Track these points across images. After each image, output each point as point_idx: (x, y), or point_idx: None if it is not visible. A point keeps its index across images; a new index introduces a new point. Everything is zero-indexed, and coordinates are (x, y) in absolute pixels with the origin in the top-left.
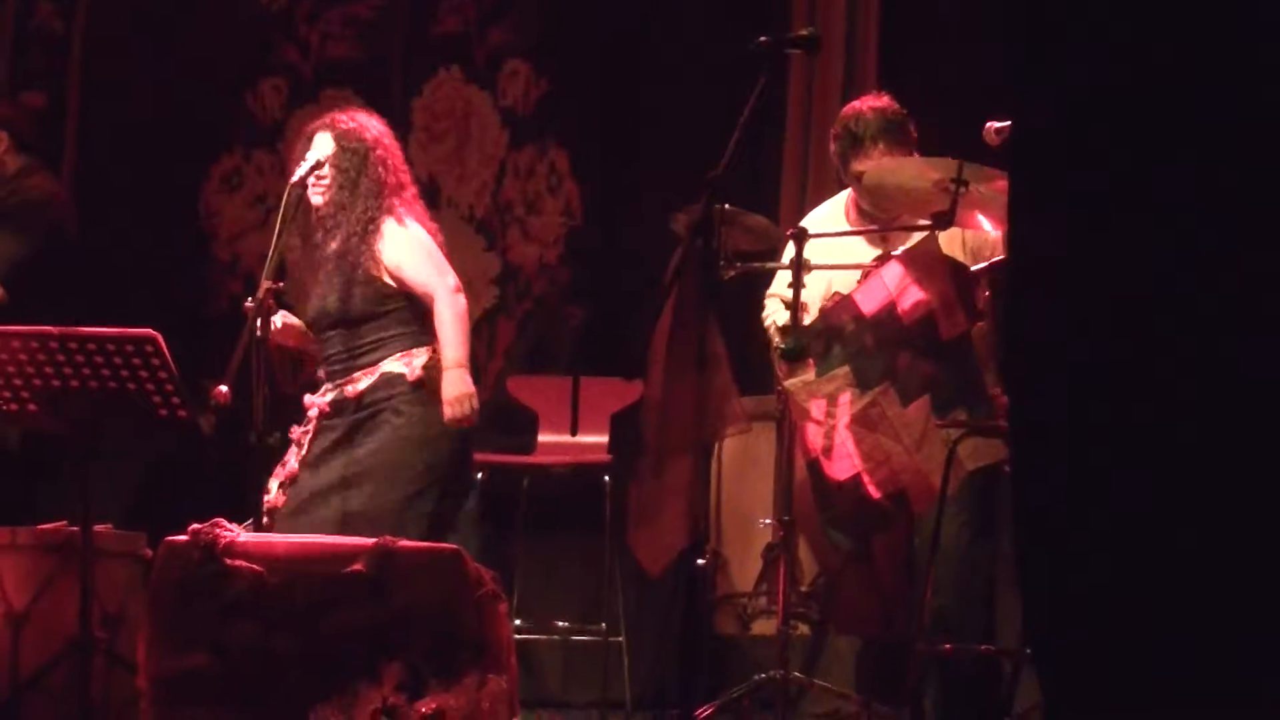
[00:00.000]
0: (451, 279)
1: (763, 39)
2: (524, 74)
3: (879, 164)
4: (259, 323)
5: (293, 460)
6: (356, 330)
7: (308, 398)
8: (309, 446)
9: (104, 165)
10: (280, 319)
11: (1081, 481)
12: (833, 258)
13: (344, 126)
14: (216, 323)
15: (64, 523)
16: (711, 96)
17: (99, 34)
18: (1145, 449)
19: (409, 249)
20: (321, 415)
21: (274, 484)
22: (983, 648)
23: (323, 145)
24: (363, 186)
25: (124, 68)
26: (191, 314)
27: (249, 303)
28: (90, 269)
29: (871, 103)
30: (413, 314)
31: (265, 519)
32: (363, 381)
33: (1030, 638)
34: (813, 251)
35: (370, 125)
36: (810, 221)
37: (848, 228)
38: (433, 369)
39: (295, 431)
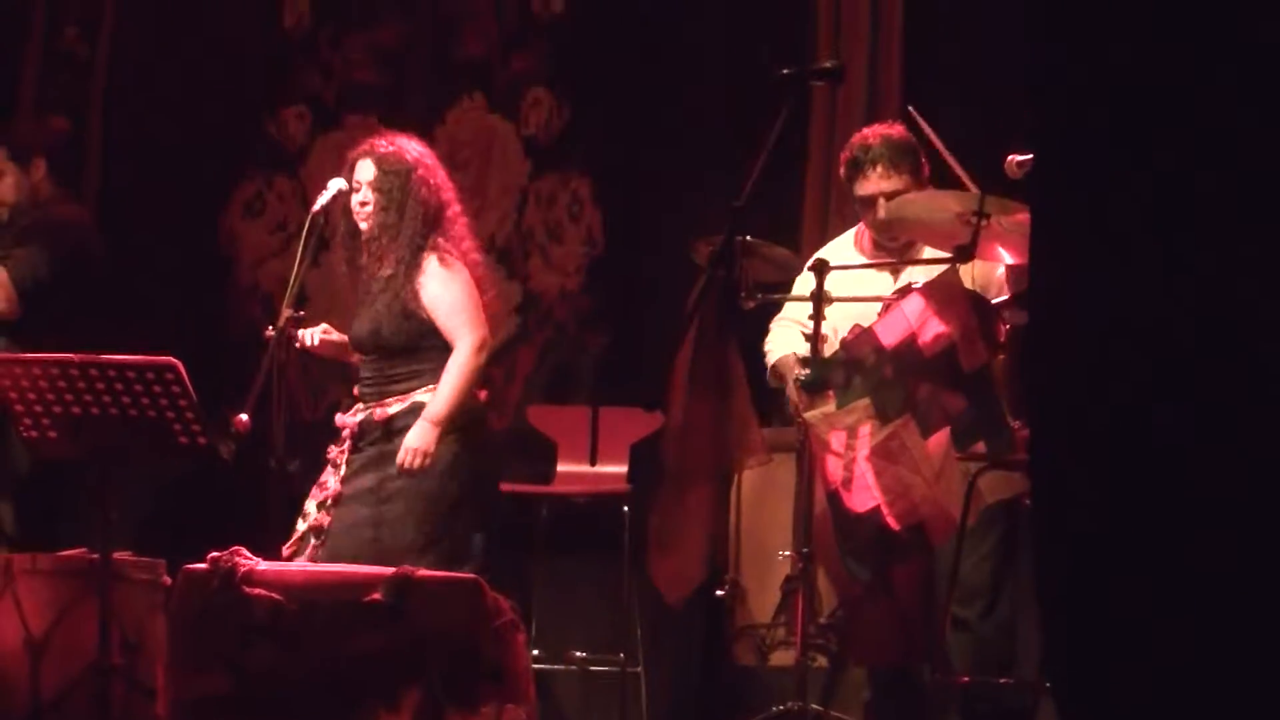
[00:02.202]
0: (478, 334)
1: (786, 70)
2: (546, 103)
3: (902, 196)
4: (280, 350)
5: (332, 481)
6: (392, 359)
7: (339, 417)
8: (347, 465)
9: (126, 189)
10: (318, 334)
11: (1104, 513)
12: (848, 290)
13: (383, 150)
14: (236, 348)
15: (84, 549)
16: (734, 127)
17: (123, 58)
18: (1170, 478)
19: (446, 291)
20: (353, 434)
21: (312, 505)
22: (1001, 680)
23: (364, 171)
24: (409, 210)
25: (147, 92)
26: (211, 339)
27: (270, 330)
28: (111, 292)
29: (880, 129)
30: (448, 350)
31: (313, 540)
32: (393, 407)
33: (1049, 669)
34: (829, 284)
35: (410, 147)
36: (823, 254)
37: (860, 259)
38: (460, 407)
39: (332, 451)
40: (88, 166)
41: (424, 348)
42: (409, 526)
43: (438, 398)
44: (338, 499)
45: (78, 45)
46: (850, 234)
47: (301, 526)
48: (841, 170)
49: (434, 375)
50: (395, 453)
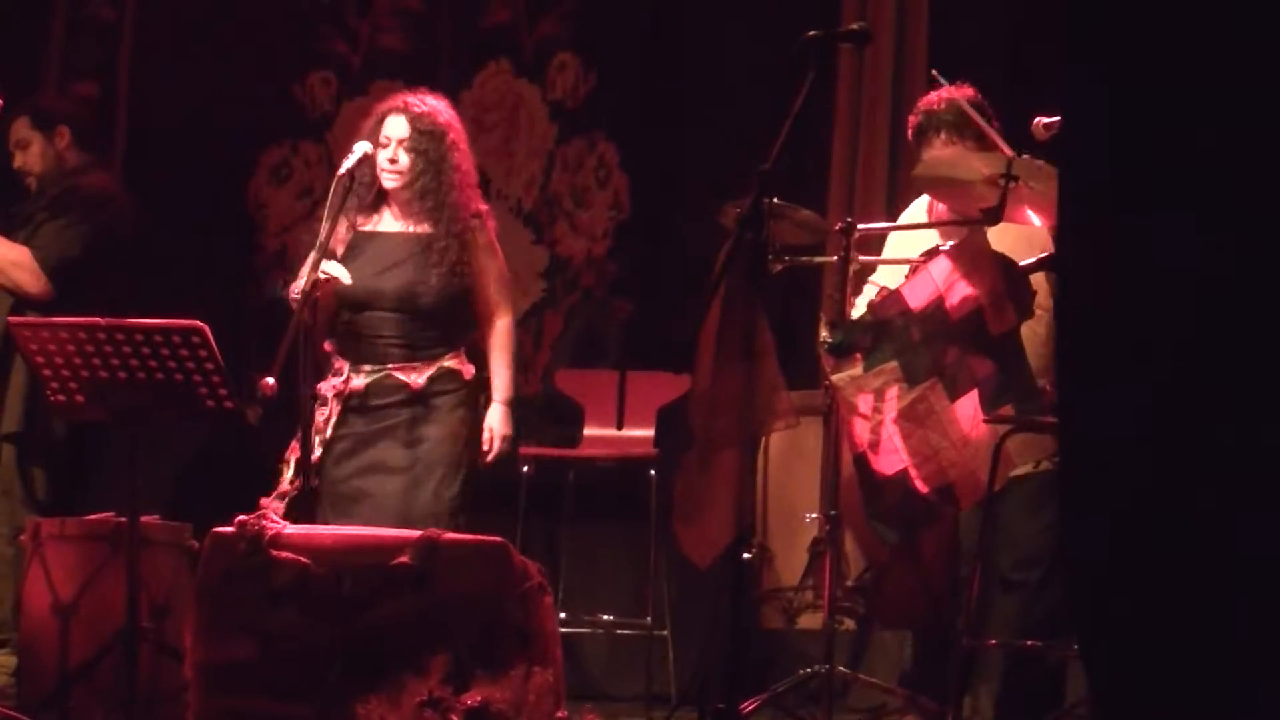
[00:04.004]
0: (513, 310)
1: (813, 33)
2: (573, 67)
3: (933, 157)
4: (306, 313)
5: (317, 447)
6: (425, 321)
7: (325, 385)
8: (346, 425)
9: (153, 155)
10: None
11: (1134, 483)
12: (909, 251)
13: (418, 109)
14: (262, 313)
15: (111, 514)
16: (761, 90)
17: (149, 24)
18: (1200, 454)
19: (495, 263)
20: (353, 394)
21: (288, 471)
22: (1028, 643)
23: (396, 128)
24: (448, 176)
25: (174, 58)
26: (237, 304)
27: (294, 292)
28: (138, 257)
29: (948, 93)
30: (472, 318)
31: (289, 500)
32: (424, 372)
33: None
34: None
35: (442, 109)
36: (902, 218)
37: (921, 232)
38: (478, 375)
39: (318, 418)
40: (115, 133)
41: (456, 315)
42: (445, 493)
43: (507, 378)
44: (339, 466)
45: (104, 11)
46: (925, 199)
47: (286, 488)
48: (910, 134)
49: (458, 342)
50: (427, 419)
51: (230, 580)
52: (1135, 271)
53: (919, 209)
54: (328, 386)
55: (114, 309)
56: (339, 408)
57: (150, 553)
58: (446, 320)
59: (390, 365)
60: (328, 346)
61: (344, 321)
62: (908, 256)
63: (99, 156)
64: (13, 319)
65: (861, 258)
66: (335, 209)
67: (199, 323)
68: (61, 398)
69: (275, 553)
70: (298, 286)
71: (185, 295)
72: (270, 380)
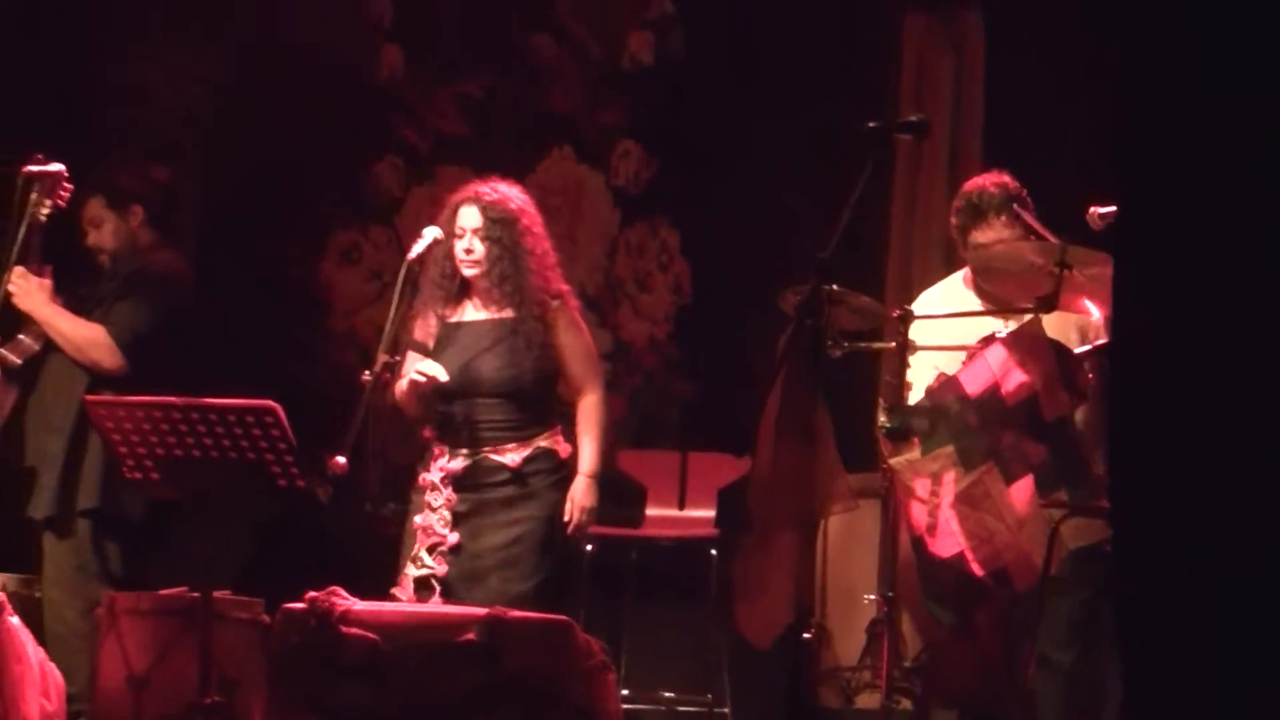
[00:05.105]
0: (603, 381)
1: (872, 124)
2: (635, 154)
3: (990, 245)
4: (375, 395)
5: (438, 525)
6: (522, 403)
7: (433, 469)
8: (451, 511)
9: (225, 237)
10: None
11: (1186, 562)
12: (950, 336)
13: (489, 198)
14: (331, 393)
15: (184, 588)
16: (820, 178)
17: (222, 107)
18: (1249, 528)
19: (579, 339)
20: (454, 477)
21: (424, 553)
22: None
23: (469, 218)
24: (524, 260)
25: (246, 142)
26: (307, 384)
27: (366, 375)
28: (210, 337)
29: (994, 178)
30: (564, 396)
31: (436, 586)
32: (518, 453)
33: (1129, 706)
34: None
35: (514, 195)
36: (925, 299)
37: (963, 305)
38: (570, 454)
39: (432, 496)
40: (187, 214)
41: (549, 395)
42: (531, 573)
43: (593, 451)
44: (457, 548)
45: (176, 96)
46: (956, 278)
47: (414, 572)
48: (955, 218)
49: (551, 421)
50: (524, 500)
51: (300, 656)
52: (1190, 356)
53: (956, 280)
54: (431, 473)
55: (184, 386)
56: (449, 489)
57: (222, 627)
58: (539, 400)
59: (486, 448)
60: (427, 433)
61: (440, 410)
62: (955, 341)
63: (169, 236)
64: (89, 397)
65: (918, 343)
66: (405, 293)
67: (272, 403)
68: (137, 475)
69: (344, 629)
70: (398, 384)
71: (257, 375)
72: (341, 459)
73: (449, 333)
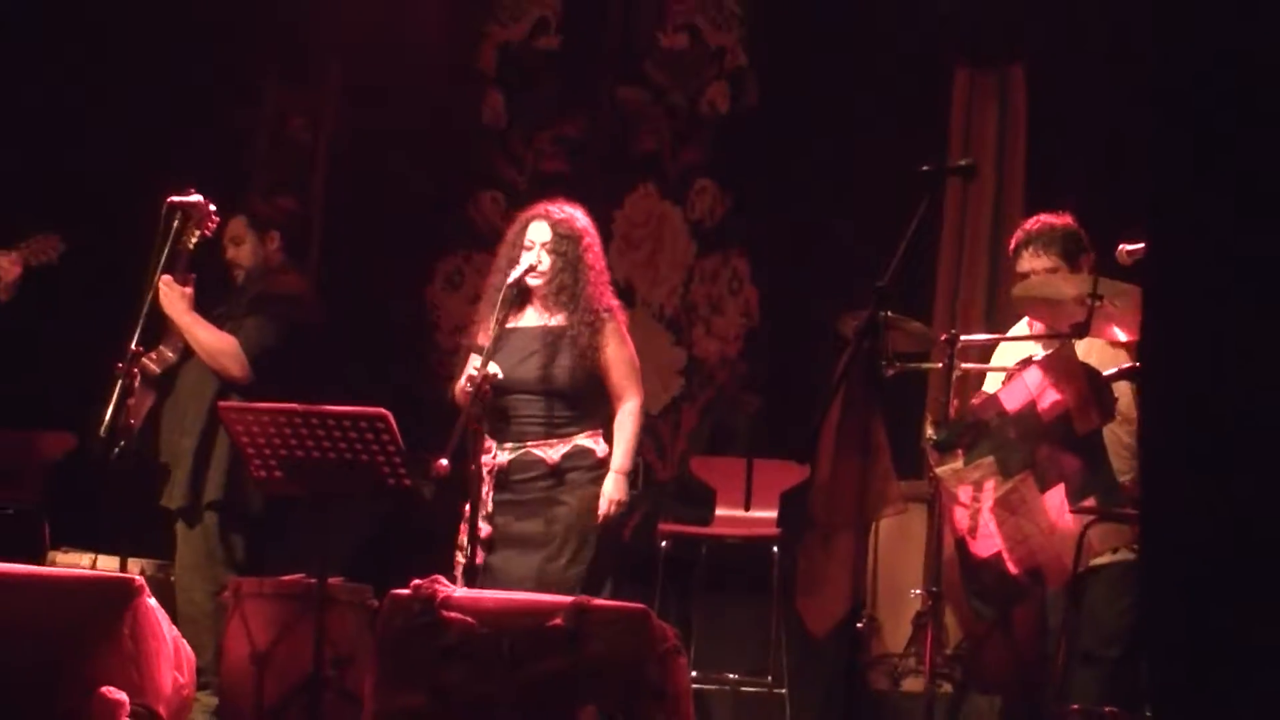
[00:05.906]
0: (642, 393)
1: (925, 166)
2: (711, 191)
3: (1028, 279)
4: (476, 404)
5: (482, 518)
6: (560, 402)
7: (483, 462)
8: (493, 503)
9: (343, 263)
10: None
11: (1211, 571)
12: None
13: (557, 216)
14: (436, 402)
15: (302, 575)
16: (878, 213)
17: (341, 146)
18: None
19: (624, 352)
20: (500, 470)
21: (464, 540)
22: (1106, 709)
23: (539, 232)
24: (583, 274)
25: (362, 175)
26: (415, 394)
27: (466, 386)
28: (330, 352)
29: (1043, 218)
30: (603, 400)
31: (480, 577)
32: (558, 449)
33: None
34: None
35: (578, 216)
36: (1011, 333)
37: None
38: (608, 454)
39: (483, 492)
40: (309, 243)
41: (588, 396)
42: (570, 560)
43: (624, 450)
44: (491, 541)
45: (301, 134)
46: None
47: (462, 559)
48: (1010, 249)
49: (592, 421)
50: (562, 494)
51: (405, 637)
52: (1215, 377)
53: (1022, 326)
54: (482, 463)
55: (304, 395)
56: (492, 483)
57: (335, 610)
58: (579, 400)
59: (529, 442)
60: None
61: (492, 406)
62: (1005, 365)
63: (297, 261)
64: (222, 404)
65: (963, 365)
66: (504, 313)
67: (383, 410)
68: (263, 474)
69: (445, 613)
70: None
71: (371, 385)
72: (444, 462)
73: (504, 336)
